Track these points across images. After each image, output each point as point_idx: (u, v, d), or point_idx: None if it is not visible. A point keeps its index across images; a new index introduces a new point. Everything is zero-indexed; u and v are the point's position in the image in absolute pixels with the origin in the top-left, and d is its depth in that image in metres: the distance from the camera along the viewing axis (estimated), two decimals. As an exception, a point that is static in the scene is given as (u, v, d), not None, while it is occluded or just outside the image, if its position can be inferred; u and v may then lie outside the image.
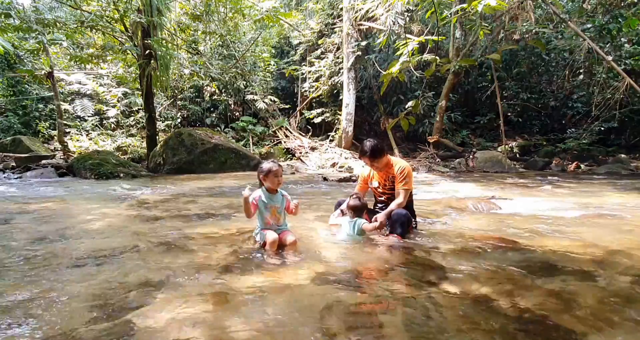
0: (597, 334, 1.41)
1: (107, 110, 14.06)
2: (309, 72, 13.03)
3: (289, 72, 13.73)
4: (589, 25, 10.27)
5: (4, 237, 2.85)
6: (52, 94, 11.99)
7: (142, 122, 12.59)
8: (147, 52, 8.77)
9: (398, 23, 9.69)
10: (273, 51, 15.20)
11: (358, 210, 2.80)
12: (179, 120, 14.42)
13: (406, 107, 3.81)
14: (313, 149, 12.30)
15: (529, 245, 2.60)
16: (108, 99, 14.31)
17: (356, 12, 10.69)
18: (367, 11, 10.08)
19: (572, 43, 10.87)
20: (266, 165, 2.58)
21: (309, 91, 13.29)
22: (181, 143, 9.04)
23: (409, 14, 10.39)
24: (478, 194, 5.35)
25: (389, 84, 3.80)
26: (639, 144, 11.50)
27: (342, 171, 9.43)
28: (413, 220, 2.99)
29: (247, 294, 1.76)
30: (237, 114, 15.35)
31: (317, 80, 12.99)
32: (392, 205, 2.84)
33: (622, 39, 10.90)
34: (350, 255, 2.36)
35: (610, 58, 8.15)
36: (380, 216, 2.79)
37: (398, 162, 3.01)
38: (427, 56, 3.56)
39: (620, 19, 8.23)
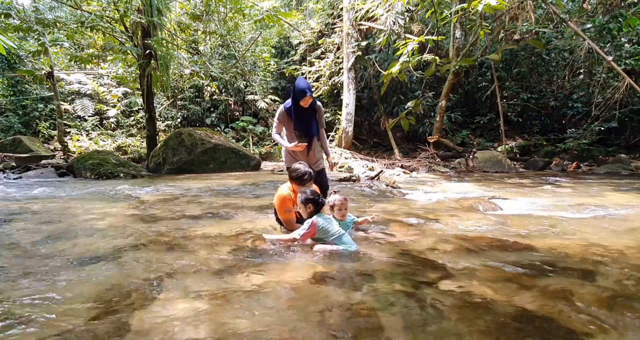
0: (597, 334, 1.41)
1: (107, 110, 14.08)
2: (309, 72, 13.04)
3: (289, 72, 13.73)
4: (589, 25, 10.27)
5: (4, 237, 2.85)
6: (52, 94, 12.01)
7: (142, 122, 12.61)
8: (147, 52, 8.77)
9: (398, 23, 9.70)
10: (273, 51, 15.21)
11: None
12: (179, 120, 14.43)
13: (406, 107, 3.82)
14: (313, 149, 12.27)
15: (529, 245, 2.60)
16: (108, 99, 14.33)
17: (356, 12, 10.69)
18: (367, 11, 10.09)
19: (572, 43, 10.86)
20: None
21: (309, 91, 13.28)
22: (181, 143, 9.04)
23: (409, 14, 10.39)
24: (478, 194, 5.35)
25: (389, 84, 3.81)
26: (639, 144, 11.49)
27: (342, 171, 9.43)
28: None
29: (247, 294, 1.76)
30: (237, 114, 15.37)
31: (317, 80, 12.99)
32: None
33: (622, 39, 10.89)
34: (349, 255, 2.36)
35: (610, 58, 8.14)
36: None
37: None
38: (427, 56, 3.57)
39: (620, 19, 8.22)
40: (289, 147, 3.17)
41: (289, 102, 3.23)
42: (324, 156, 3.47)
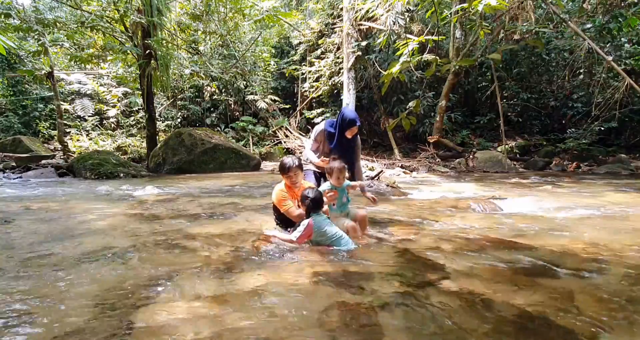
0: (597, 334, 1.41)
1: (107, 110, 14.09)
2: (309, 72, 13.04)
3: (289, 72, 13.74)
4: (589, 25, 10.27)
5: (4, 237, 2.85)
6: (52, 94, 12.01)
7: (142, 122, 12.61)
8: (147, 52, 8.77)
9: (398, 23, 9.70)
10: (273, 51, 15.21)
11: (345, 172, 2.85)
12: (179, 120, 14.43)
13: (407, 107, 3.82)
14: (313, 149, 12.28)
15: (529, 245, 2.60)
16: (108, 99, 14.33)
17: (356, 12, 10.68)
18: (367, 11, 10.08)
19: (572, 43, 10.87)
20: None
21: (309, 91, 13.29)
22: (181, 143, 9.04)
23: (409, 14, 10.38)
24: (478, 194, 5.35)
25: (389, 84, 3.81)
26: (639, 144, 11.49)
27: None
28: None
29: (247, 294, 1.76)
30: (237, 114, 15.37)
31: (317, 80, 12.99)
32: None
33: (622, 39, 10.89)
34: (350, 255, 2.36)
35: (610, 58, 8.15)
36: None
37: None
38: (427, 56, 3.57)
39: (620, 19, 8.22)
40: (317, 162, 3.20)
41: (330, 123, 3.23)
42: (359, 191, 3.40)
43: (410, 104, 3.80)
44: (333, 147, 3.20)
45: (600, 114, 10.02)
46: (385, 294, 1.78)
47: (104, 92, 14.33)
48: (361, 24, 11.00)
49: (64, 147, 11.49)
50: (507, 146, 10.61)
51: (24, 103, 14.10)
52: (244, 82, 14.27)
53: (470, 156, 10.50)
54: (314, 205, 2.47)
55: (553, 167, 10.06)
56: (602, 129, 10.88)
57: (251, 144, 13.19)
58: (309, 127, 13.92)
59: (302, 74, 13.52)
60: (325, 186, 2.88)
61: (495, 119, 12.17)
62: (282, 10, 11.88)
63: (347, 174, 2.91)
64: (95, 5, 9.65)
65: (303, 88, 13.69)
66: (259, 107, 13.95)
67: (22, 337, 1.40)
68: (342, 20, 11.49)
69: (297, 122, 14.29)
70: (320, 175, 3.38)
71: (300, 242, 2.44)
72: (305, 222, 2.46)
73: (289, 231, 2.74)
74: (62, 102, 12.50)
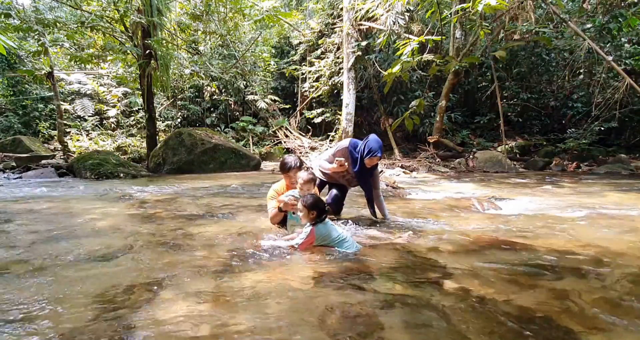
0: (597, 334, 1.41)
1: (107, 110, 14.08)
2: (309, 72, 13.04)
3: (289, 72, 13.74)
4: (589, 25, 10.27)
5: (4, 237, 2.85)
6: (52, 94, 12.01)
7: (142, 122, 12.60)
8: (147, 52, 8.76)
9: (398, 23, 9.69)
10: (273, 51, 15.21)
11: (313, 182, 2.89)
12: (179, 120, 14.43)
13: (410, 106, 3.82)
14: (313, 149, 12.32)
15: (529, 245, 2.60)
16: (108, 99, 14.33)
17: (356, 12, 10.69)
18: (367, 11, 10.08)
19: (572, 43, 10.86)
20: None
21: (309, 91, 13.29)
22: (181, 143, 9.04)
23: (409, 14, 10.38)
24: (478, 194, 5.35)
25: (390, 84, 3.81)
26: (639, 144, 11.48)
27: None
28: None
29: (247, 294, 1.76)
30: (237, 114, 15.37)
31: (317, 80, 12.99)
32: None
33: (622, 39, 10.88)
34: (350, 255, 2.36)
35: (610, 58, 8.16)
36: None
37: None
38: (429, 56, 3.58)
39: (620, 19, 8.23)
40: (332, 168, 3.22)
41: (354, 145, 3.23)
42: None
43: (413, 103, 3.80)
44: (356, 171, 3.24)
45: (600, 114, 10.02)
46: (386, 294, 1.78)
47: (104, 92, 14.33)
48: (361, 24, 11.00)
49: (64, 147, 11.49)
50: (507, 146, 10.60)
51: (24, 103, 14.10)
52: (244, 82, 14.27)
53: (470, 156, 10.49)
54: (318, 214, 2.46)
55: (553, 167, 10.06)
56: (602, 129, 10.88)
57: (251, 144, 13.19)
58: (309, 127, 13.92)
59: (302, 74, 13.52)
60: (292, 192, 2.86)
61: (495, 119, 12.16)
62: (282, 10, 11.88)
63: (314, 186, 2.91)
64: (95, 5, 9.65)
65: (303, 88, 13.69)
66: (259, 107, 13.95)
67: (22, 337, 1.40)
68: (342, 20, 11.50)
69: (297, 122, 14.29)
70: (327, 184, 3.43)
71: (301, 249, 2.44)
72: (308, 229, 2.46)
73: (280, 233, 2.76)
74: (62, 102, 12.49)
